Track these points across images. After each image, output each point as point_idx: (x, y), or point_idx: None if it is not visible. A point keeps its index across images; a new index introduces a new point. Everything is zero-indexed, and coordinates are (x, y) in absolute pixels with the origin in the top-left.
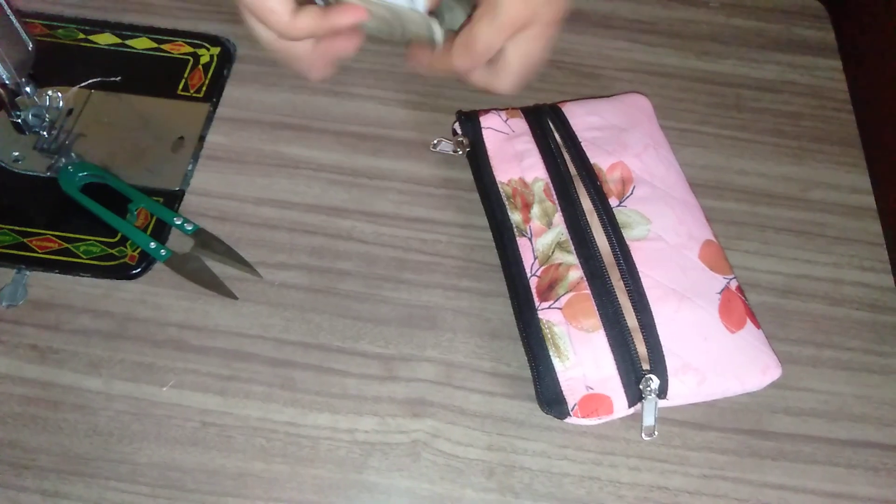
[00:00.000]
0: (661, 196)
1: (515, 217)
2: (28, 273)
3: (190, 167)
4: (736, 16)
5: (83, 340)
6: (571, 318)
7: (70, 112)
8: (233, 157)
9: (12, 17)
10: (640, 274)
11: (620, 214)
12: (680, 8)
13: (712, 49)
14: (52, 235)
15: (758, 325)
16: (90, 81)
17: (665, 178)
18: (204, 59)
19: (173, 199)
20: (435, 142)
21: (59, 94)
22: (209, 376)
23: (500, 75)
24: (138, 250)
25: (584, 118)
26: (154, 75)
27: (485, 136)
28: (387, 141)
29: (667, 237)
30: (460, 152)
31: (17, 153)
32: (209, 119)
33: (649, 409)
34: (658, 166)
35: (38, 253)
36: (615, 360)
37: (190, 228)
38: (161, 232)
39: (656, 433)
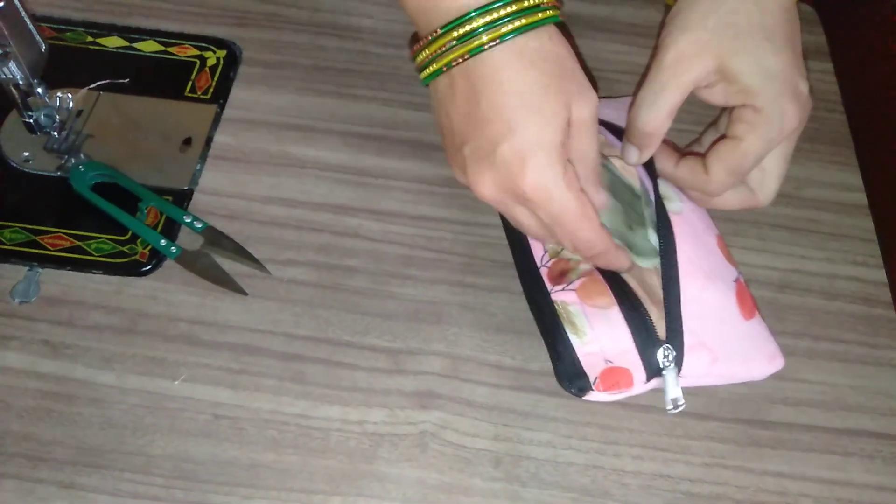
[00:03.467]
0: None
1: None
2: (40, 270)
3: (198, 167)
4: None
5: (96, 336)
6: (586, 297)
7: (79, 113)
8: (240, 157)
9: (27, 20)
10: (677, 246)
11: (662, 185)
12: None
13: None
14: (63, 233)
15: (763, 318)
16: (99, 83)
17: None
18: (210, 62)
19: (182, 198)
20: None
21: (69, 96)
22: (220, 370)
23: (760, 188)
24: (149, 247)
25: (603, 111)
26: (161, 77)
27: None
28: (392, 141)
29: (695, 218)
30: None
31: (27, 153)
32: (216, 120)
33: (671, 380)
34: None
35: (50, 250)
36: (631, 333)
37: (199, 226)
38: (171, 230)
39: (683, 403)
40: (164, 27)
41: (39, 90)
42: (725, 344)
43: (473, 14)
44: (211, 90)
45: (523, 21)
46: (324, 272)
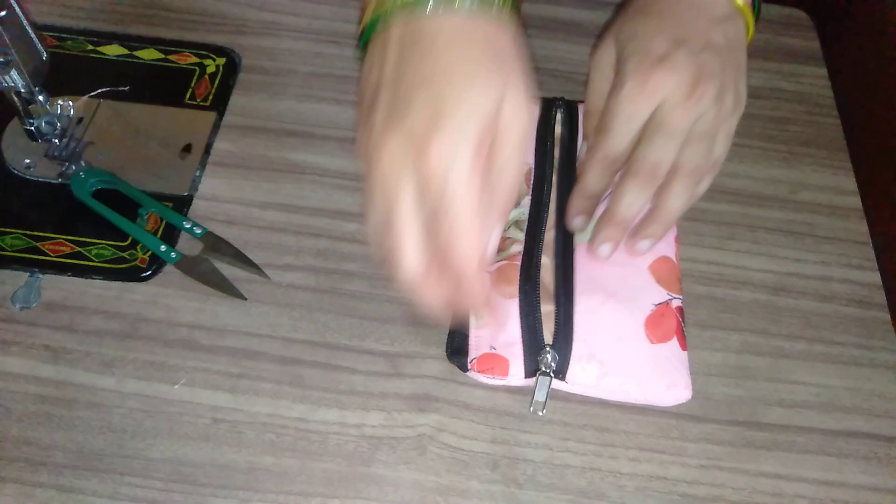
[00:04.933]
0: None
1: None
2: (41, 276)
3: (198, 173)
4: None
5: (96, 341)
6: (495, 283)
7: (80, 120)
8: (239, 163)
9: (28, 28)
10: (577, 266)
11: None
12: None
13: None
14: (64, 239)
15: (684, 348)
16: (99, 91)
17: None
18: (210, 70)
19: (182, 204)
20: None
21: (70, 103)
22: (219, 374)
23: (654, 147)
24: (149, 253)
25: None
26: (161, 85)
27: None
28: None
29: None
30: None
31: (28, 160)
32: (216, 127)
33: (542, 385)
34: None
35: (50, 256)
36: (522, 328)
37: (199, 232)
38: (171, 235)
39: (544, 411)
40: (164, 35)
41: (41, 98)
42: (619, 361)
43: None
44: (210, 97)
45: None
46: (322, 277)
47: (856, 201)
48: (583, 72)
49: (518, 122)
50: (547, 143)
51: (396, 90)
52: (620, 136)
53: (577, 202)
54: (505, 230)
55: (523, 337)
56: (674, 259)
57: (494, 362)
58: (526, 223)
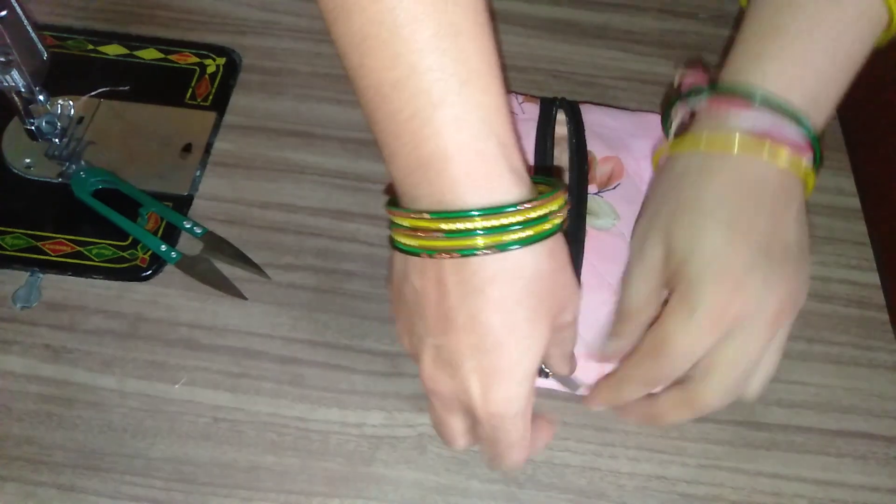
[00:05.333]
0: (640, 201)
1: None
2: (42, 276)
3: (198, 173)
4: (724, 27)
5: (96, 340)
6: None
7: (80, 120)
8: (240, 163)
9: (28, 28)
10: (585, 259)
11: (592, 202)
12: (671, 20)
13: (702, 59)
14: (64, 239)
15: None
16: (99, 91)
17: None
18: (210, 69)
19: (182, 204)
20: None
21: (70, 103)
22: (220, 374)
23: (700, 388)
24: (149, 253)
25: (598, 116)
26: (161, 85)
27: None
28: None
29: (628, 235)
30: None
31: (29, 160)
32: (216, 127)
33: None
34: (651, 175)
35: (51, 256)
36: None
37: (199, 231)
38: (171, 235)
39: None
40: (165, 35)
41: (41, 97)
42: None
43: (475, 214)
44: (211, 97)
45: (529, 233)
46: (322, 276)
47: (855, 202)
48: (581, 72)
49: (571, 317)
50: (547, 143)
51: (446, 326)
52: (678, 365)
53: (605, 397)
54: None
55: None
56: None
57: None
58: None
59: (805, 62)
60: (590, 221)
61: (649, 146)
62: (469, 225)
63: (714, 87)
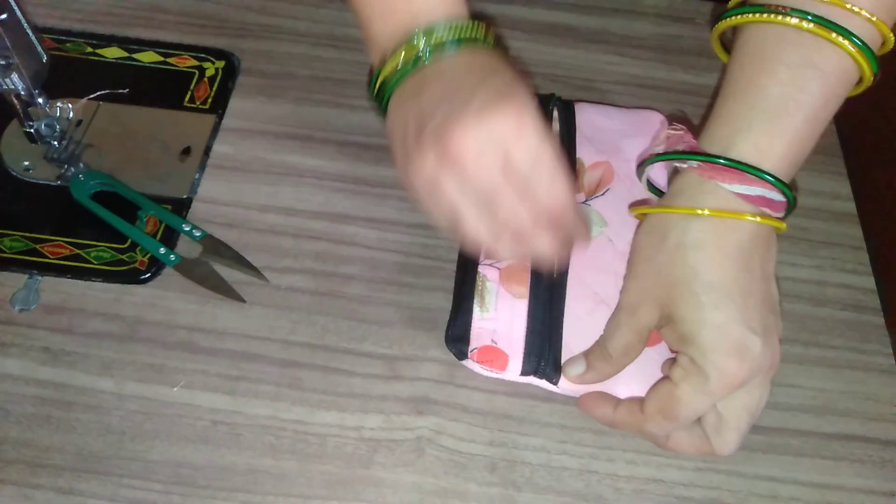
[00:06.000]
0: (630, 204)
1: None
2: (40, 278)
3: (197, 176)
4: None
5: (95, 343)
6: (506, 279)
7: (79, 123)
8: (239, 166)
9: (28, 30)
10: (571, 272)
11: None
12: (668, 24)
13: (699, 63)
14: (63, 242)
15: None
16: (98, 94)
17: (644, 190)
18: (209, 73)
19: (181, 207)
20: None
21: (69, 106)
22: (218, 377)
23: (715, 437)
24: (148, 256)
25: (592, 116)
26: (160, 88)
27: None
28: (388, 150)
29: (617, 243)
30: None
31: (27, 163)
32: (215, 130)
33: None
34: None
35: (49, 259)
36: (527, 329)
37: (198, 234)
38: (170, 238)
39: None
40: (164, 38)
41: (40, 100)
42: None
43: (441, 24)
44: (210, 100)
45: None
46: (321, 280)
47: (850, 206)
48: (579, 76)
49: (533, 136)
50: None
51: (422, 117)
52: (688, 422)
53: (608, 423)
54: None
55: (527, 338)
56: None
57: (494, 355)
58: None
59: (791, 132)
60: None
61: (643, 145)
62: (439, 34)
63: (703, 156)
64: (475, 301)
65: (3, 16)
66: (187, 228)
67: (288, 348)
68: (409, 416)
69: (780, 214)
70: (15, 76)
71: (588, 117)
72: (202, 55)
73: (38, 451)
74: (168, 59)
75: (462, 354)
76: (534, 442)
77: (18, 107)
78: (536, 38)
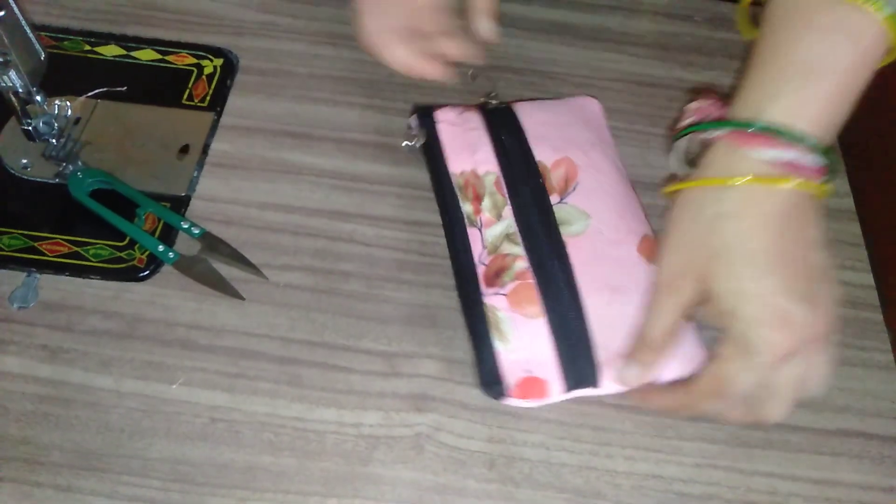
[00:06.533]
0: (603, 191)
1: (467, 208)
2: (39, 276)
3: (195, 174)
4: (719, 29)
5: (94, 340)
6: (516, 304)
7: (77, 121)
8: (237, 163)
9: (26, 28)
10: (575, 270)
11: (560, 211)
12: (666, 21)
13: (697, 60)
14: (61, 239)
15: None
16: (97, 91)
17: (609, 173)
18: (207, 70)
19: (180, 204)
20: (404, 144)
21: (68, 104)
22: (217, 374)
23: (766, 406)
24: (147, 253)
25: (534, 114)
26: (159, 86)
27: (439, 130)
28: (386, 148)
29: (606, 232)
30: (414, 144)
31: (25, 161)
32: (213, 128)
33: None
34: (603, 162)
35: (48, 256)
36: (555, 346)
37: (197, 232)
38: (168, 235)
39: None
40: (162, 36)
41: (38, 98)
42: None
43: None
44: (208, 98)
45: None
46: (319, 277)
47: (849, 203)
48: (579, 73)
49: None
50: (506, 147)
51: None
52: (739, 398)
53: (657, 408)
54: (497, 248)
55: (558, 354)
56: (651, 234)
57: (533, 385)
58: (518, 236)
59: (823, 95)
60: (564, 231)
61: (589, 133)
62: None
63: (733, 122)
64: (493, 336)
65: (1, 13)
66: (186, 226)
67: (287, 345)
68: (407, 413)
69: (819, 180)
70: (13, 74)
71: (531, 116)
72: (200, 53)
73: (37, 449)
74: (166, 57)
75: (501, 395)
76: (532, 438)
77: (17, 104)
78: (534, 35)
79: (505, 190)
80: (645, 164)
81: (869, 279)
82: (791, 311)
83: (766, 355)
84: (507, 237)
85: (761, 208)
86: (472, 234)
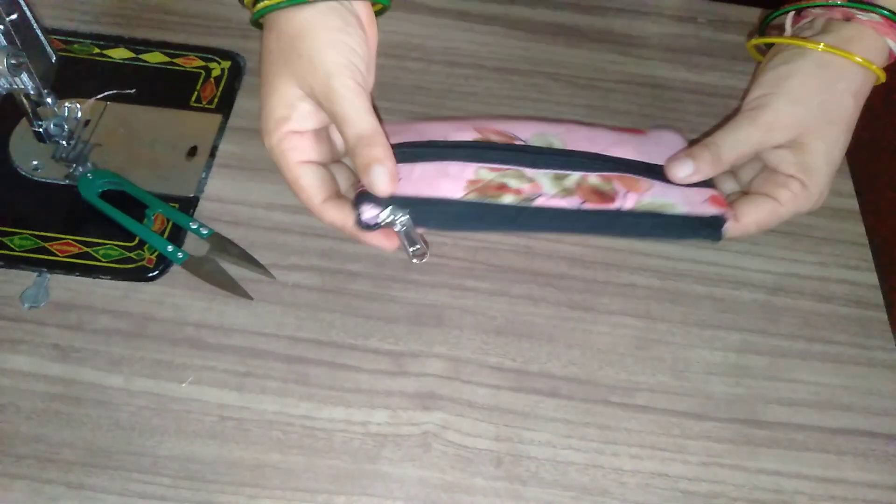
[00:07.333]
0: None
1: (508, 199)
2: (49, 276)
3: (204, 175)
4: (723, 30)
5: (104, 339)
6: (633, 189)
7: (87, 123)
8: (245, 165)
9: (38, 31)
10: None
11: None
12: (670, 23)
13: (701, 62)
14: (71, 240)
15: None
16: (106, 94)
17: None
18: (215, 73)
19: (188, 205)
20: (413, 261)
21: (78, 106)
22: (226, 373)
23: (806, 193)
24: (156, 253)
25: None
26: (167, 88)
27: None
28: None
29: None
30: (424, 256)
31: (36, 162)
32: (221, 129)
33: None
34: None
35: (58, 257)
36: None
37: (205, 232)
38: (177, 236)
39: None
40: (170, 39)
41: (49, 100)
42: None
43: None
44: (216, 100)
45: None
46: (327, 277)
47: (853, 203)
48: (584, 75)
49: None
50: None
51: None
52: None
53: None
54: (566, 186)
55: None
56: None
57: (718, 199)
58: (563, 165)
59: None
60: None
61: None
62: None
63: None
64: (664, 212)
65: (14, 16)
66: (194, 226)
67: (295, 344)
68: (415, 412)
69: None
70: (24, 76)
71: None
72: (208, 56)
73: (48, 447)
74: (174, 60)
75: (720, 225)
76: (539, 437)
77: (27, 107)
78: (539, 37)
79: (503, 166)
80: None
81: (873, 279)
82: (839, 161)
83: (813, 207)
84: (556, 177)
85: (867, 88)
86: (547, 202)
